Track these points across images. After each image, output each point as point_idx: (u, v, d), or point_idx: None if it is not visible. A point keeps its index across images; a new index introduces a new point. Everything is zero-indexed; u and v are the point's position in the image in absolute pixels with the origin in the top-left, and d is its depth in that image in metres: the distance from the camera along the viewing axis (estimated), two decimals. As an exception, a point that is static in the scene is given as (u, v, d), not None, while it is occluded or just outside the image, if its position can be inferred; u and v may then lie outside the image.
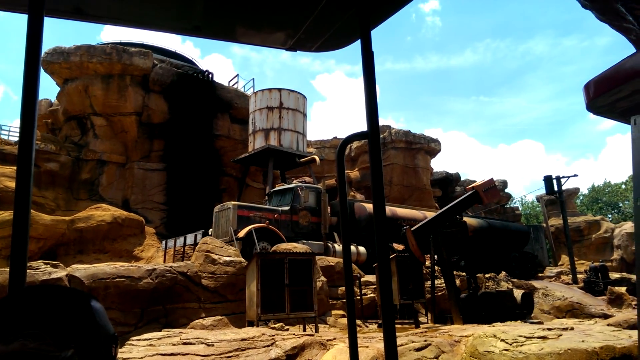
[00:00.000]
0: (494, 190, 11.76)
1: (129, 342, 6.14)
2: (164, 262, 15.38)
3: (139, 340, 6.19)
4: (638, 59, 1.21)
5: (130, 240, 17.95)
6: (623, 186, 55.12)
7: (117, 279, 9.50)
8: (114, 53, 22.84)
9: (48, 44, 28.75)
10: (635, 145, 1.18)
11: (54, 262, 9.87)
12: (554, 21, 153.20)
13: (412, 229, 11.28)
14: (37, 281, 8.57)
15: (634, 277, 20.14)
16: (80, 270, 9.58)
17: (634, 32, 3.59)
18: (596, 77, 1.32)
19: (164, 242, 17.51)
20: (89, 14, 1.49)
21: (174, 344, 6.00)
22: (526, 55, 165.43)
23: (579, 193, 50.67)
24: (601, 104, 1.34)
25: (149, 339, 6.23)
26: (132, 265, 10.62)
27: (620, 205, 55.42)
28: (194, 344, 5.98)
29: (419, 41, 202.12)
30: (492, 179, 11.94)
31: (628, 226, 35.70)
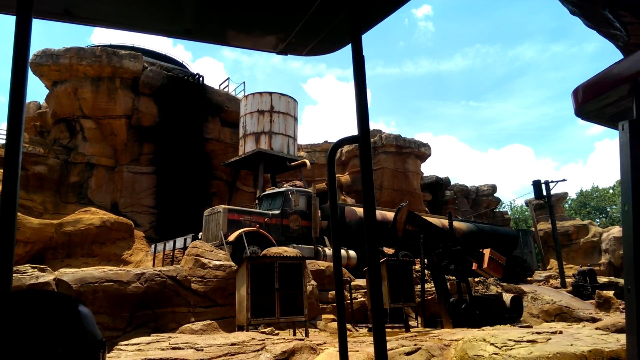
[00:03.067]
0: (498, 266, 11.53)
1: (117, 347, 6.08)
2: (153, 266, 15.26)
3: (128, 345, 6.14)
4: (625, 65, 1.23)
5: (119, 244, 17.79)
6: (611, 191, 55.82)
7: (106, 283, 9.41)
8: (104, 55, 22.69)
9: (37, 45, 28.58)
10: (623, 151, 1.18)
11: (41, 266, 9.76)
12: (542, 27, 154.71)
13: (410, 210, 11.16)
14: (24, 285, 8.47)
15: (621, 281, 20.33)
16: (68, 274, 9.48)
17: (621, 39, 3.64)
18: (584, 83, 1.33)
19: (153, 245, 17.38)
20: (78, 16, 1.47)
21: (163, 349, 5.95)
22: (515, 60, 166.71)
23: (568, 198, 51.20)
24: (589, 110, 1.35)
25: (138, 344, 6.18)
26: (120, 269, 10.52)
27: (608, 209, 56.08)
28: (183, 348, 5.94)
29: (412, 46, 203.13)
30: (505, 259, 11.84)
31: (616, 230, 36.07)
